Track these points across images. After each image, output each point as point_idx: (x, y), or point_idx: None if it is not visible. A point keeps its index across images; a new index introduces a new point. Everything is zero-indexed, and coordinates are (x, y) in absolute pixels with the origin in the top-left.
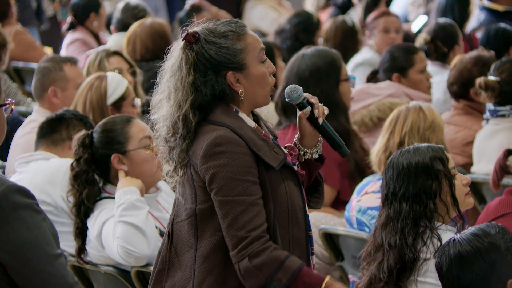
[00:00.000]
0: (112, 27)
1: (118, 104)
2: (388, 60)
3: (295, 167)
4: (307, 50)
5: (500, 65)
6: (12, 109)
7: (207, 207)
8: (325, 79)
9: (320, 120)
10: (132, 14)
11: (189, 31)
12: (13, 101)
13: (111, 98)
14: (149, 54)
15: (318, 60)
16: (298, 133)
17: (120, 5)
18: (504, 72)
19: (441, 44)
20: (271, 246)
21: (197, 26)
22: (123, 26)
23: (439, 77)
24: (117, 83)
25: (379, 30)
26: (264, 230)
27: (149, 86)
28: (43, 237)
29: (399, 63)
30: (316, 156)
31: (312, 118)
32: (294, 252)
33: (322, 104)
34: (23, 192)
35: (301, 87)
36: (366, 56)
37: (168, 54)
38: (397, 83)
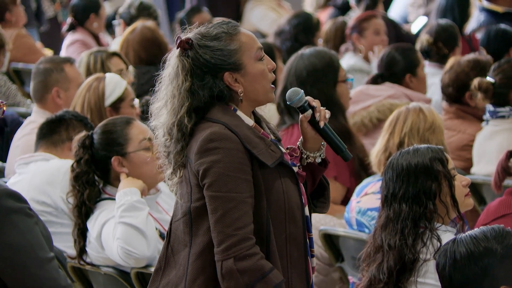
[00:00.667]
0: (121, 21)
1: (117, 105)
2: (397, 63)
3: (295, 168)
4: (305, 50)
5: (497, 67)
6: (4, 111)
7: (201, 205)
8: (323, 79)
9: (321, 124)
10: (148, 13)
11: (182, 38)
12: (4, 102)
13: (109, 100)
14: (143, 63)
15: (316, 60)
16: (301, 137)
17: (136, 2)
18: (499, 74)
19: (443, 45)
20: (258, 253)
21: (190, 32)
22: None
23: (436, 78)
24: (115, 84)
25: (370, 32)
26: (251, 230)
27: (147, 89)
28: (35, 241)
29: (410, 63)
30: (319, 160)
31: (313, 122)
32: (292, 250)
33: (325, 108)
34: (15, 196)
35: (302, 90)
36: (350, 62)
37: (166, 63)
38: (406, 83)
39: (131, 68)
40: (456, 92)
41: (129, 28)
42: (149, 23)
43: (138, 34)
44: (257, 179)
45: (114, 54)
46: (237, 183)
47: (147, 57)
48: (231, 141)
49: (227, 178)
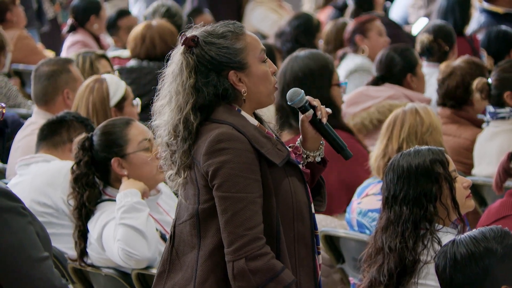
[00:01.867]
0: None
1: (120, 105)
2: (396, 63)
3: (300, 166)
4: (300, 53)
5: (496, 67)
6: (3, 113)
7: (209, 207)
8: (319, 80)
9: (324, 121)
10: (173, 21)
11: (188, 35)
12: (4, 105)
13: (113, 100)
14: (169, 51)
15: (311, 62)
16: (301, 136)
17: (162, 9)
18: (495, 75)
19: (443, 42)
20: (270, 253)
21: (196, 30)
22: None
23: (435, 78)
24: (116, 85)
25: (374, 33)
26: (261, 230)
27: (149, 89)
28: (27, 240)
29: (409, 63)
30: (318, 159)
31: (314, 121)
32: (300, 249)
33: (324, 106)
34: (7, 195)
35: (302, 91)
36: (357, 61)
37: (169, 61)
38: (407, 83)
39: (117, 73)
40: (464, 95)
41: (142, 24)
42: (160, 20)
43: (161, 25)
44: (266, 179)
45: (103, 56)
46: (247, 183)
47: (172, 47)
48: (240, 142)
49: (237, 179)
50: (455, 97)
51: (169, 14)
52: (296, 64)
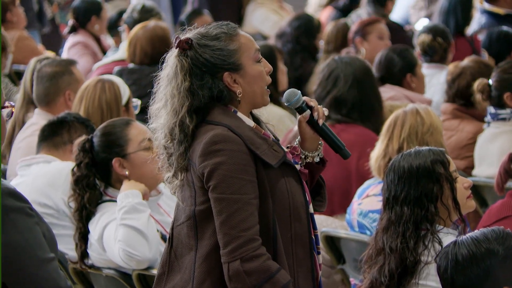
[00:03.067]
0: (125, 26)
1: (128, 105)
2: (396, 64)
3: (298, 166)
4: (339, 56)
5: (496, 68)
6: (12, 112)
7: (206, 208)
8: (373, 80)
9: (320, 122)
10: (150, 15)
11: (182, 38)
12: (14, 104)
13: (123, 99)
14: (148, 59)
15: (361, 62)
16: (299, 137)
17: (138, 6)
18: (495, 76)
19: (442, 40)
20: (265, 254)
21: (189, 33)
22: None
23: (435, 79)
24: (123, 84)
25: (374, 36)
26: (257, 232)
27: (149, 91)
28: (34, 240)
29: (408, 63)
30: (317, 159)
31: (312, 121)
32: (297, 249)
33: (322, 106)
34: (15, 195)
35: (299, 91)
36: None
37: (164, 64)
38: (407, 83)
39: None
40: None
41: (140, 24)
42: (162, 23)
43: (149, 30)
44: (262, 180)
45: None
46: (242, 185)
47: (153, 54)
48: (235, 143)
49: (232, 180)
50: (466, 96)
51: (145, 10)
52: (348, 66)
